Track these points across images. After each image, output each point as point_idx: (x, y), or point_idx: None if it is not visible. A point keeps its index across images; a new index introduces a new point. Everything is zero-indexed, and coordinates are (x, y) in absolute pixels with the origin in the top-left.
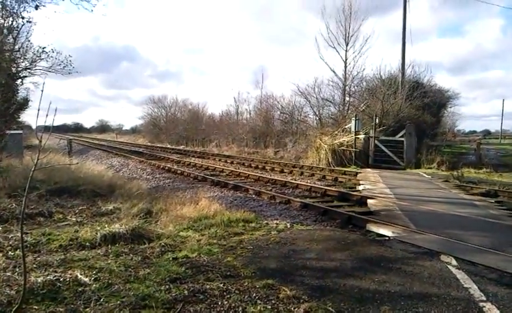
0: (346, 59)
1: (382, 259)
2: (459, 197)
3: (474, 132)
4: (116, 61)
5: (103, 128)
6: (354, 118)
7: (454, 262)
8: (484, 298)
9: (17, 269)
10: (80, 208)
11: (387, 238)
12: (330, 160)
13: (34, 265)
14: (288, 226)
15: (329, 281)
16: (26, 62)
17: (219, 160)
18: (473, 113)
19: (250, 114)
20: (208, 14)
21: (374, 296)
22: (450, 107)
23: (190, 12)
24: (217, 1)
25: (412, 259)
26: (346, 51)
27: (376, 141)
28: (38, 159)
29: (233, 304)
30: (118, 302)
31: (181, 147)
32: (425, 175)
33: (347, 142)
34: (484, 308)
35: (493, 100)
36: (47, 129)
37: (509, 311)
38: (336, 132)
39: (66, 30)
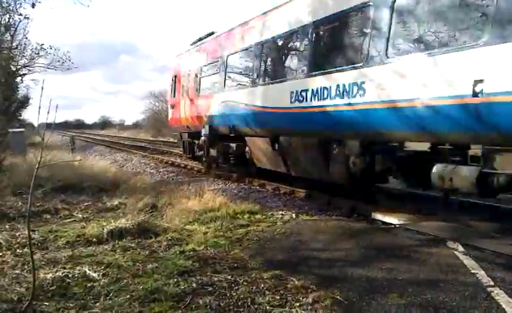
0: None
1: (388, 247)
2: None
3: None
4: (116, 56)
5: (104, 123)
6: None
7: (461, 248)
8: (492, 283)
9: (25, 267)
10: (85, 204)
11: (393, 226)
12: None
13: (43, 262)
14: (294, 217)
15: (337, 270)
16: (24, 60)
17: None
18: None
19: None
20: (208, 4)
21: (382, 284)
22: None
23: (188, 3)
24: None
25: (418, 247)
26: None
27: None
28: (41, 156)
29: (242, 296)
30: (128, 296)
31: None
32: None
33: None
34: (492, 293)
35: None
36: (49, 126)
37: None
38: None
39: (64, 26)
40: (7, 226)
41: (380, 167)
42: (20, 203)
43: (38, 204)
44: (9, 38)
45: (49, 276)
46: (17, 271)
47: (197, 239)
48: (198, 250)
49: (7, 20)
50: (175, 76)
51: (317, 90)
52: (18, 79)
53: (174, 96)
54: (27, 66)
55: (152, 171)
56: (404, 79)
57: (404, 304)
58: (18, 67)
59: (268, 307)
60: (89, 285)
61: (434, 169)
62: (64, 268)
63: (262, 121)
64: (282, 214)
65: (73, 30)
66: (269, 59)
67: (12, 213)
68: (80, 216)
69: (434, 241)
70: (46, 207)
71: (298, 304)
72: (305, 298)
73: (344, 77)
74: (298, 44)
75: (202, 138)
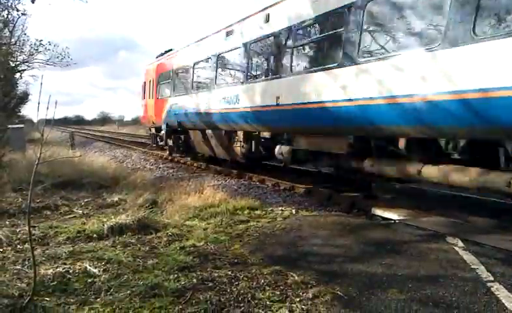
0: None
1: (388, 243)
2: None
3: None
4: (115, 52)
5: (104, 119)
6: None
7: (460, 243)
8: (491, 278)
9: (26, 262)
10: (86, 200)
11: (392, 221)
12: None
13: (43, 258)
14: (294, 212)
15: (336, 266)
16: (23, 56)
17: None
18: None
19: None
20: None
21: (381, 279)
22: None
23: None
24: None
25: (418, 242)
26: None
27: None
28: (41, 153)
29: (242, 291)
30: (128, 292)
31: None
32: None
33: None
34: (492, 288)
35: None
36: (48, 122)
37: None
38: None
39: (63, 22)
40: (7, 222)
41: (254, 149)
42: (20, 199)
43: (38, 200)
44: (8, 34)
45: (49, 271)
46: (18, 267)
47: (197, 235)
48: (198, 246)
49: (5, 16)
50: (144, 83)
51: (221, 98)
52: (17, 75)
53: (144, 98)
54: (26, 62)
55: (151, 167)
56: (261, 92)
57: (404, 299)
58: (17, 63)
59: (268, 302)
60: (90, 280)
61: (276, 149)
62: (65, 264)
63: (196, 119)
64: (282, 210)
65: (72, 26)
66: (198, 74)
67: (12, 209)
68: (80, 212)
69: (434, 236)
70: (46, 203)
71: (298, 299)
72: (305, 294)
73: (231, 91)
74: (210, 66)
75: (162, 131)
